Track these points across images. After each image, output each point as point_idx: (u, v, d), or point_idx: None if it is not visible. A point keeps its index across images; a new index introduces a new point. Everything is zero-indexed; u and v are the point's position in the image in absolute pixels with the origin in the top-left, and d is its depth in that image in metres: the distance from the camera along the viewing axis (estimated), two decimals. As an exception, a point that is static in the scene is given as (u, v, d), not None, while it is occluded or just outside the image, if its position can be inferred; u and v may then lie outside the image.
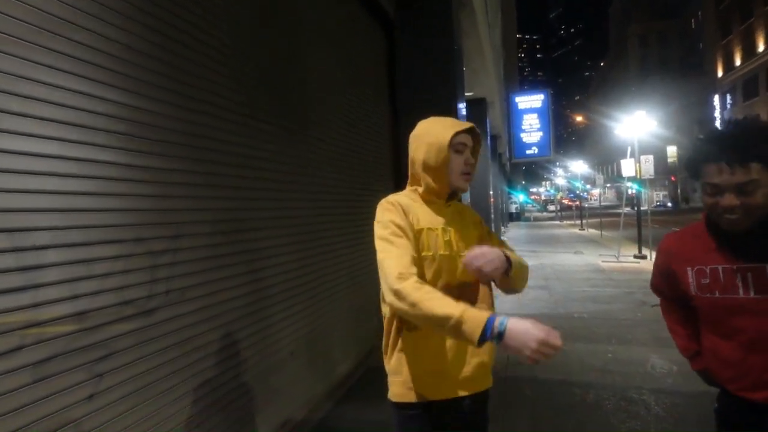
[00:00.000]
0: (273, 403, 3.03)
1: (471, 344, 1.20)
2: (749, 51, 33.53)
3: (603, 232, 18.94)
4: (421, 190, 1.54)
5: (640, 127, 11.94)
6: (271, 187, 3.09)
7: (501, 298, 6.65)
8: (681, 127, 43.49)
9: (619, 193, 22.75)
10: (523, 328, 1.15)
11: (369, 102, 4.97)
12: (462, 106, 6.28)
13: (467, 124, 1.52)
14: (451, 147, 1.47)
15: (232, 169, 2.69)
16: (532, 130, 24.68)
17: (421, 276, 1.39)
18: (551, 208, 53.40)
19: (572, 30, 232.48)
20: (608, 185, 56.97)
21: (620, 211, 16.85)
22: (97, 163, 1.83)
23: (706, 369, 1.49)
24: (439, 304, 1.23)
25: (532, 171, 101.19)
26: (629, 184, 13.27)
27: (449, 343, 1.42)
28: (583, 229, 22.87)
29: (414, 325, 1.41)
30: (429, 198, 1.53)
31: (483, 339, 1.18)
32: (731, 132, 1.25)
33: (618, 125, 13.97)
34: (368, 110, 4.90)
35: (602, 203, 54.12)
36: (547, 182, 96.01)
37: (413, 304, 1.25)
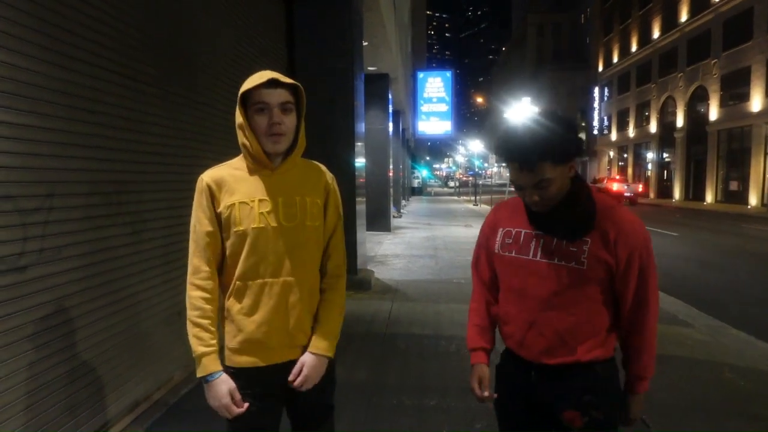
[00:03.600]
0: (159, 361, 3.14)
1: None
2: (625, 50, 37.52)
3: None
4: (244, 154, 1.46)
5: (524, 112, 13.06)
6: (155, 150, 3.12)
7: (390, 264, 7.08)
8: (566, 114, 47.57)
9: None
10: (213, 393, 1.40)
11: (261, 68, 4.99)
12: (360, 80, 6.50)
13: (264, 78, 1.36)
14: (251, 106, 1.38)
15: (113, 131, 2.69)
16: (436, 108, 25.72)
17: (235, 254, 1.41)
18: (451, 184, 56.16)
19: (479, 13, 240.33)
20: (502, 164, 60.95)
21: (507, 189, 18.41)
22: (-40, 118, 1.80)
23: (485, 349, 1.61)
24: (192, 331, 1.41)
25: (437, 148, 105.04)
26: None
27: (270, 309, 1.43)
28: (477, 205, 24.57)
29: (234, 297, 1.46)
30: (253, 165, 1.44)
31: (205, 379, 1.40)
32: (518, 139, 1.33)
33: (508, 110, 15.11)
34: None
35: (496, 181, 58.07)
36: (450, 159, 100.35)
37: (188, 314, 1.42)
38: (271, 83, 1.38)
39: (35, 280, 2.15)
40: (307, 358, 1.46)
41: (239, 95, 1.39)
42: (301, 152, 1.50)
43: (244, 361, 1.44)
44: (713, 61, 26.02)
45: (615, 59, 39.80)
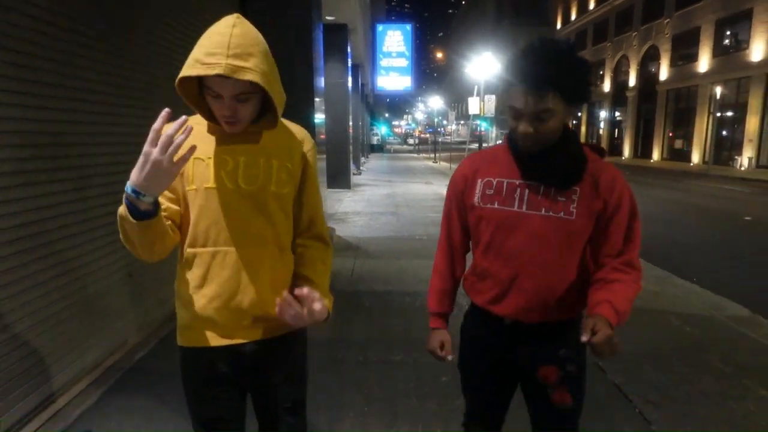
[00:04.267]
0: (110, 324, 2.97)
1: (134, 222, 1.06)
2: (583, 6, 37.64)
3: (452, 165, 20.67)
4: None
5: (486, 68, 12.96)
6: (94, 99, 2.82)
7: (351, 222, 7.01)
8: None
9: (472, 130, 24.81)
10: (142, 171, 1.01)
11: (210, 12, 4.61)
12: (318, 29, 6.16)
13: (216, 70, 1.06)
14: (205, 87, 1.14)
15: (46, 75, 2.39)
16: (395, 63, 25.14)
17: (187, 218, 1.22)
18: (410, 141, 55.99)
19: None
20: (462, 122, 61.17)
21: (467, 147, 18.52)
22: None
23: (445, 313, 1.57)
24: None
25: (396, 104, 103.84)
26: (477, 122, 14.51)
27: (225, 282, 1.23)
28: (436, 162, 24.65)
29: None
30: (210, 125, 1.24)
31: (134, 209, 1.06)
32: (538, 58, 1.22)
33: (469, 65, 14.94)
34: (209, 22, 4.56)
35: (455, 139, 58.36)
36: (409, 116, 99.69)
37: (119, 226, 1.13)
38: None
39: (-39, 241, 1.92)
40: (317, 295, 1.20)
41: (177, 81, 1.12)
42: (272, 125, 1.25)
43: (194, 339, 1.26)
44: (666, 21, 26.54)
45: (573, 16, 39.92)
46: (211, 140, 1.22)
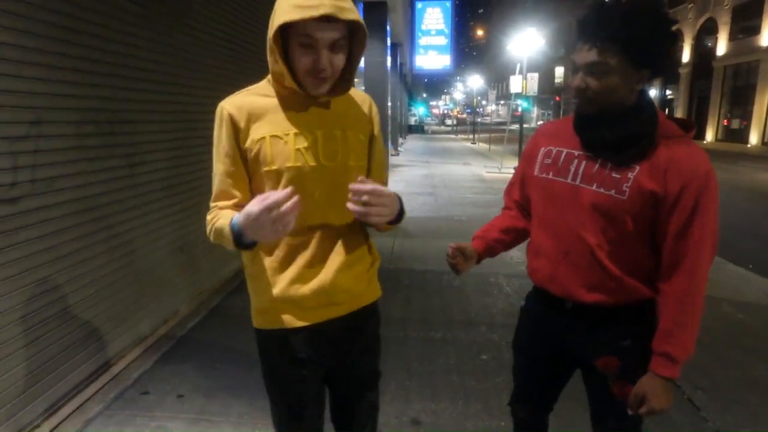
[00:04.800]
0: (163, 295, 3.12)
1: (234, 248, 1.11)
2: (634, -22, 35.74)
3: (491, 146, 20.27)
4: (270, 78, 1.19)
5: (529, 44, 12.53)
6: (150, 78, 2.92)
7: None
8: (567, 44, 45.83)
9: (513, 111, 24.18)
10: (246, 221, 1.02)
11: (260, 3, 4.66)
12: (360, 8, 6.12)
13: (319, 12, 1.01)
14: (294, 35, 1.07)
15: (103, 54, 2.49)
16: (434, 41, 24.68)
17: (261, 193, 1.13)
18: (448, 122, 55.18)
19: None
20: (501, 102, 59.66)
21: (507, 128, 18.07)
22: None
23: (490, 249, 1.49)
24: (220, 221, 1.12)
25: (434, 84, 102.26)
26: (518, 101, 14.11)
27: (306, 260, 1.20)
28: (475, 143, 24.25)
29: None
30: (284, 93, 1.17)
31: (240, 244, 1.08)
32: (599, 9, 1.16)
33: (510, 42, 14.48)
34: (257, 10, 4.60)
35: (494, 119, 57.09)
36: (447, 96, 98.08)
37: (210, 231, 1.15)
38: (327, 18, 1.03)
39: (29, 212, 2.06)
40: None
41: (277, 26, 1.04)
42: (345, 89, 1.20)
43: (275, 321, 1.22)
44: (726, -9, 24.82)
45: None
46: (285, 113, 1.15)
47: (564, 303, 1.32)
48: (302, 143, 1.14)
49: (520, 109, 15.05)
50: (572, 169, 1.26)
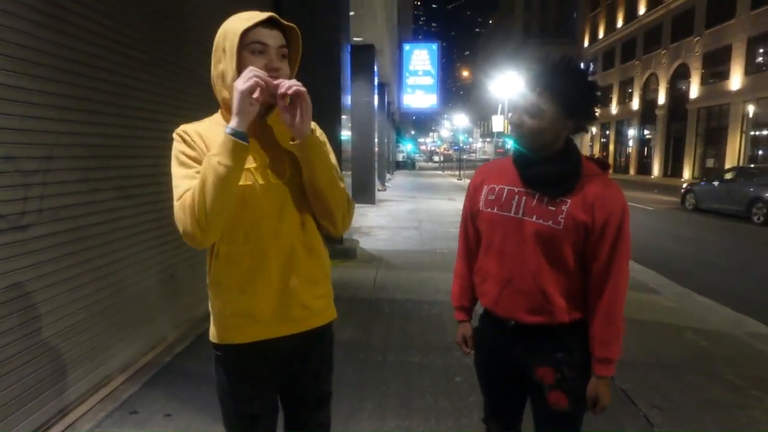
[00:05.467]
0: (152, 321, 3.26)
1: (244, 152, 1.15)
2: (611, 25, 37.52)
3: (476, 182, 20.72)
4: (222, 110, 1.30)
5: (510, 86, 13.14)
6: (147, 116, 3.16)
7: (375, 235, 7.21)
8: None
9: (496, 147, 24.93)
10: (234, 94, 1.13)
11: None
12: (346, 51, 6.50)
13: (265, 15, 1.21)
14: (245, 46, 1.20)
15: (108, 96, 2.74)
16: (421, 81, 25.55)
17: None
18: (435, 158, 56.22)
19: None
20: (487, 139, 61.07)
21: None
22: (-39, 79, 1.85)
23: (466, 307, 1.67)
24: (206, 162, 1.15)
25: (422, 122, 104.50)
26: (503, 139, 14.60)
27: (260, 279, 1.26)
28: (461, 179, 24.77)
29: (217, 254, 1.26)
30: (226, 117, 1.27)
31: (239, 137, 1.14)
32: (543, 64, 1.40)
33: (493, 83, 15.12)
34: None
35: (480, 156, 58.32)
36: (435, 134, 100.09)
37: (193, 202, 1.14)
38: (271, 22, 1.21)
39: (36, 239, 2.24)
40: None
41: (240, 32, 1.17)
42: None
43: (233, 336, 1.28)
44: (696, 39, 26.23)
45: (600, 35, 39.76)
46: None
47: (506, 323, 1.48)
48: (251, 163, 1.23)
49: (504, 147, 15.56)
50: (514, 204, 1.45)
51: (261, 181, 1.24)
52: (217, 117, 1.32)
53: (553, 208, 1.39)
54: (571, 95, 1.36)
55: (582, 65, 1.42)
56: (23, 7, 2.13)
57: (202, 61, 3.94)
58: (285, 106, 1.18)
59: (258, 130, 1.26)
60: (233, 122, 1.15)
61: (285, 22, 1.26)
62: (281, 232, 1.26)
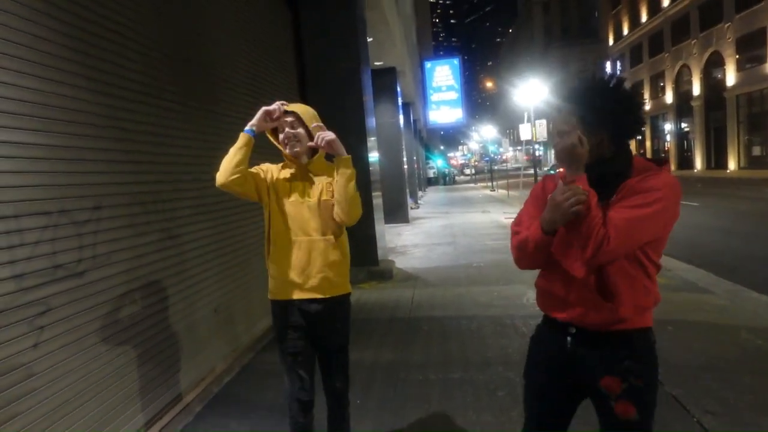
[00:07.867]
0: (200, 353, 3.41)
1: (247, 139, 2.00)
2: (635, 21, 36.77)
3: (509, 192, 20.51)
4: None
5: (535, 93, 13.06)
6: (184, 161, 3.37)
7: (410, 254, 7.29)
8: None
9: (529, 155, 24.64)
10: (257, 116, 2.02)
11: (275, 76, 5.24)
12: (367, 76, 6.69)
13: (285, 108, 2.06)
14: (275, 131, 2.13)
15: (146, 146, 2.95)
16: (445, 96, 25.71)
17: (273, 215, 2.06)
18: (467, 171, 55.87)
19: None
20: (518, 148, 60.33)
21: (522, 172, 18.39)
22: (20, 145, 2.07)
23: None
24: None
25: (450, 136, 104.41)
26: (536, 146, 14.47)
27: (296, 259, 2.01)
28: (494, 190, 24.51)
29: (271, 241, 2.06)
30: (287, 163, 2.11)
31: (248, 131, 2.02)
32: (575, 85, 1.46)
33: (516, 93, 15.06)
34: (275, 84, 5.18)
35: (513, 165, 57.63)
36: (464, 147, 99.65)
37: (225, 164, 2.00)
38: (285, 113, 2.06)
39: (91, 283, 2.42)
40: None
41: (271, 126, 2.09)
42: (322, 154, 2.06)
43: (277, 294, 2.07)
44: (726, 25, 25.38)
45: (625, 31, 38.99)
46: (290, 174, 2.09)
47: (568, 328, 1.48)
48: (297, 189, 2.07)
49: (537, 153, 15.38)
50: None
51: (301, 200, 2.05)
52: (284, 162, 2.14)
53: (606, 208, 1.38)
54: (593, 109, 1.39)
55: (607, 76, 1.44)
56: (68, 75, 2.36)
57: (233, 104, 4.19)
58: (323, 147, 1.98)
59: (303, 172, 2.08)
60: (249, 124, 2.04)
61: (289, 108, 2.05)
62: (313, 231, 2.03)
